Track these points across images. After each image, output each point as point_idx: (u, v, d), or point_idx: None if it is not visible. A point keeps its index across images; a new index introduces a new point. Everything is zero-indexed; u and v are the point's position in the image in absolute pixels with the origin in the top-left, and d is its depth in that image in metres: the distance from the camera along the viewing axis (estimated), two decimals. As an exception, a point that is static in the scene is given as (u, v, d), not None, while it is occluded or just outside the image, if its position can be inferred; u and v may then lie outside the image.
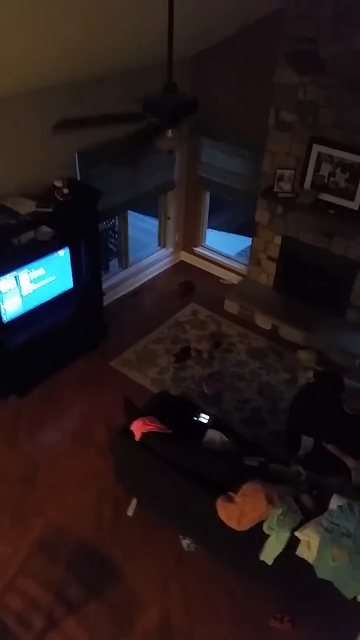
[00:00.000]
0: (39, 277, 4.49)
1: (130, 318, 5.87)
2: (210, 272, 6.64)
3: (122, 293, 6.18)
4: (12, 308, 4.40)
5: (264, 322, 5.78)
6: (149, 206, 6.67)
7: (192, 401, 4.63)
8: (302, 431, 4.00)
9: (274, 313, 5.71)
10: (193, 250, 6.72)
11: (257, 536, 3.05)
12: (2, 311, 4.32)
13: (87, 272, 5.00)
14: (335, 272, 5.38)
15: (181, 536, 3.77)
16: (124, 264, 6.25)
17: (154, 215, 6.82)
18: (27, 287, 4.44)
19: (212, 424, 3.94)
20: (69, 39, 3.30)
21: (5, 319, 4.37)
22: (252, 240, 5.88)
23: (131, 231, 6.12)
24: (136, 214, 7.07)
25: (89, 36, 3.42)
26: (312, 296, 5.65)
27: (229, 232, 7.72)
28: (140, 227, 7.38)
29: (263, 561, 3.07)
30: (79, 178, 4.86)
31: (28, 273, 4.38)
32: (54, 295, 4.74)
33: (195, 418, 3.97)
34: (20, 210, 4.19)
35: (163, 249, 6.70)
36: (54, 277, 4.64)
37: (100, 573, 3.60)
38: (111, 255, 6.72)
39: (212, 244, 6.72)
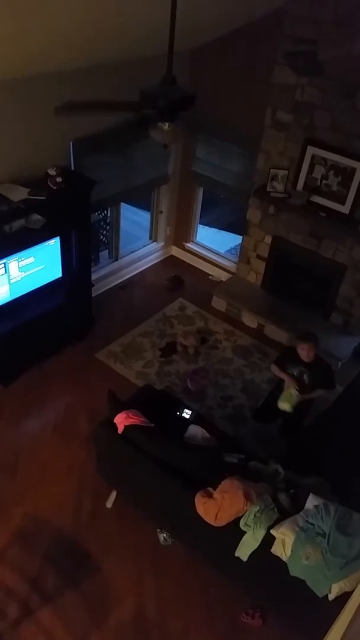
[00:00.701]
0: (28, 265, 4.47)
1: (119, 310, 5.86)
2: (200, 268, 6.65)
3: (111, 285, 6.17)
4: (0, 295, 4.37)
5: (250, 320, 5.82)
6: (142, 199, 6.65)
7: (176, 396, 4.66)
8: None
9: (260, 312, 5.75)
10: (184, 245, 6.73)
11: (233, 532, 3.09)
12: (-11, 298, 4.30)
13: (77, 262, 4.98)
14: (322, 275, 5.42)
15: (158, 530, 3.80)
16: (115, 255, 6.23)
17: (146, 208, 6.81)
18: (16, 274, 4.41)
19: (195, 419, 3.97)
20: (65, 23, 3.26)
21: (-8, 306, 4.36)
22: (243, 239, 5.91)
23: (123, 223, 6.11)
24: (129, 206, 7.04)
25: (86, 22, 3.37)
26: (298, 297, 5.69)
27: (220, 229, 7.73)
28: (132, 219, 7.36)
29: (238, 557, 3.11)
30: (72, 167, 4.83)
31: (17, 261, 4.36)
32: (43, 284, 4.72)
33: (178, 413, 3.99)
34: (12, 197, 4.16)
35: (154, 243, 6.69)
36: (43, 266, 4.62)
37: (77, 564, 3.62)
38: (102, 246, 6.70)
39: (202, 240, 6.73)
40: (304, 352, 4.02)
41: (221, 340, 5.64)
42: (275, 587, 3.20)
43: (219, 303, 6.01)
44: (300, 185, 5.07)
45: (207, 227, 7.29)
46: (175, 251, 6.86)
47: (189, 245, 6.71)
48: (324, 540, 2.88)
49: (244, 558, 3.09)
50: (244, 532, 3.07)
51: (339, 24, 4.26)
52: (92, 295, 5.46)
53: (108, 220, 6.40)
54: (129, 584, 3.55)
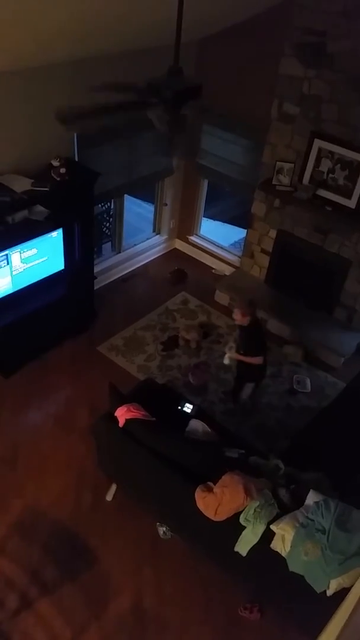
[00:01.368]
0: (30, 257, 4.45)
1: (121, 303, 5.84)
2: (203, 261, 6.62)
3: (113, 277, 6.15)
4: (2, 287, 4.36)
5: (253, 315, 5.78)
6: (146, 191, 6.61)
7: (177, 390, 4.65)
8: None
9: (263, 306, 5.70)
10: (187, 238, 6.69)
11: (233, 527, 3.08)
12: (-9, 289, 4.28)
13: (80, 254, 4.96)
14: (327, 270, 5.38)
15: (158, 523, 3.80)
16: (118, 248, 6.21)
17: (150, 200, 6.77)
18: (18, 266, 4.39)
19: (196, 413, 3.96)
20: (71, 13, 3.21)
21: (-6, 297, 4.34)
22: (247, 232, 5.87)
23: (126, 215, 6.07)
24: (132, 199, 7.00)
25: (92, 11, 3.33)
26: (302, 292, 5.65)
27: (224, 222, 7.69)
28: (136, 211, 7.32)
29: (237, 552, 3.11)
30: (76, 158, 4.80)
31: (20, 252, 4.34)
32: (45, 276, 4.70)
33: (179, 407, 3.98)
34: (16, 188, 4.13)
35: (157, 236, 6.66)
36: (45, 258, 4.59)
37: (76, 556, 3.63)
38: (105, 238, 6.67)
39: (206, 234, 6.69)
40: (235, 315, 4.16)
41: (224, 334, 5.61)
42: (274, 582, 3.20)
43: (222, 297, 5.98)
44: (306, 178, 5.03)
45: (211, 220, 7.25)
46: (178, 244, 6.82)
47: (193, 238, 6.67)
48: (323, 537, 2.87)
49: (243, 553, 3.09)
50: (244, 527, 3.06)
51: (348, 15, 4.20)
52: (95, 287, 5.44)
53: (111, 213, 6.37)
54: (128, 577, 3.55)
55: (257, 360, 4.20)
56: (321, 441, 4.17)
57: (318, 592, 2.88)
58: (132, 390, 4.05)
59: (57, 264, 4.75)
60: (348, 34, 4.27)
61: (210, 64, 5.24)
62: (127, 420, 3.49)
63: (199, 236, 6.69)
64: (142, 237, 6.58)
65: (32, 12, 3.01)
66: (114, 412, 3.56)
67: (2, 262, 4.23)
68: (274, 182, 5.17)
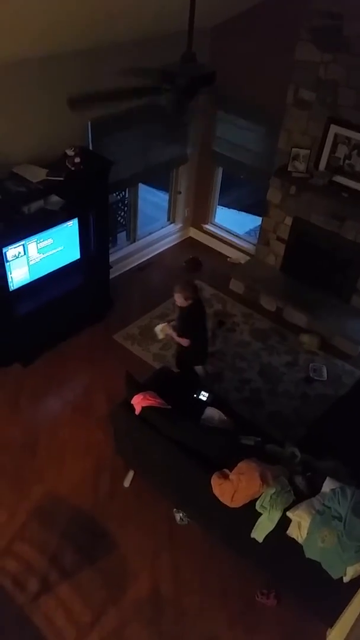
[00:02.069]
0: (46, 247, 4.48)
1: (136, 292, 5.86)
2: (218, 250, 6.60)
3: (129, 267, 6.17)
4: (19, 277, 4.40)
5: (268, 303, 5.77)
6: (160, 180, 6.59)
7: (193, 378, 4.66)
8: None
9: (279, 295, 5.70)
10: (202, 226, 6.67)
11: (249, 514, 3.10)
12: (9, 279, 4.32)
13: (95, 244, 4.98)
14: (344, 257, 5.33)
15: (175, 509, 3.85)
16: (132, 237, 6.21)
17: (164, 189, 6.75)
18: (35, 256, 4.43)
19: (212, 402, 3.97)
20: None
21: (12, 287, 4.38)
22: (262, 220, 5.83)
23: (141, 204, 6.07)
24: (147, 187, 6.99)
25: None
26: (319, 280, 5.61)
27: (239, 210, 7.64)
28: (150, 200, 7.31)
29: (253, 538, 3.13)
30: (91, 147, 4.80)
31: (36, 242, 4.37)
32: (61, 266, 4.73)
33: (195, 395, 4.00)
34: (31, 178, 4.16)
35: (172, 224, 6.65)
36: (61, 248, 4.62)
37: (95, 541, 3.69)
38: (119, 227, 6.68)
39: (221, 222, 6.66)
40: (177, 299, 4.09)
41: (239, 323, 5.61)
42: (291, 568, 3.22)
43: (237, 285, 5.96)
44: (322, 165, 4.97)
45: (226, 208, 7.21)
46: (193, 233, 6.80)
47: (208, 226, 6.65)
48: (340, 524, 2.88)
49: (260, 539, 3.11)
50: (260, 514, 3.08)
51: (365, -4, 4.12)
52: (110, 277, 5.47)
53: (126, 202, 6.37)
54: (146, 562, 3.61)
55: (183, 342, 4.15)
56: (338, 429, 4.16)
57: (335, 578, 2.90)
58: (148, 378, 4.08)
59: (73, 253, 4.78)
60: (365, 16, 4.19)
61: (224, 50, 5.18)
62: (143, 408, 3.52)
63: (214, 224, 6.67)
64: (156, 226, 6.58)
65: (46, 2, 3.01)
66: (131, 400, 3.59)
67: (19, 253, 4.27)
68: (289, 169, 5.12)
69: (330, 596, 3.10)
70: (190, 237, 6.82)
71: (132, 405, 3.58)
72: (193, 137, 5.93)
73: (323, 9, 4.36)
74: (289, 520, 2.99)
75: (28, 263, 4.40)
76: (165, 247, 6.58)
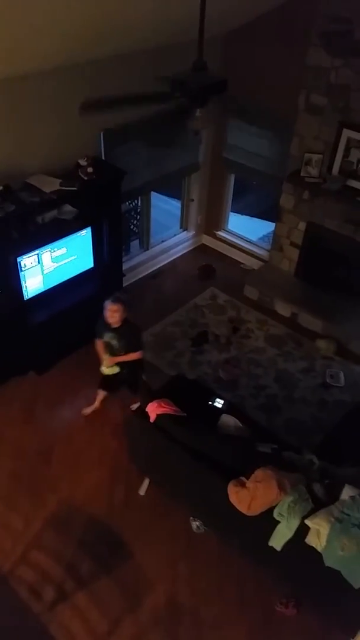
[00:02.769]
0: (60, 256, 4.51)
1: (150, 300, 5.87)
2: (231, 256, 6.58)
3: (142, 274, 6.18)
4: (34, 286, 4.44)
5: (283, 309, 5.73)
6: (173, 187, 6.62)
7: (208, 386, 4.64)
8: None
9: (294, 300, 5.66)
10: (215, 233, 6.67)
11: (267, 522, 3.06)
12: (24, 289, 4.36)
13: (108, 252, 5.00)
14: (359, 261, 5.28)
15: (192, 518, 3.81)
16: (145, 245, 6.23)
17: (177, 196, 6.77)
18: (49, 265, 4.46)
19: (227, 409, 3.95)
20: (95, 11, 3.24)
21: (26, 296, 4.42)
22: (276, 226, 5.81)
23: (153, 212, 6.09)
24: (159, 195, 7.02)
25: (116, 10, 3.35)
26: (334, 285, 5.57)
27: (252, 216, 7.62)
28: (163, 208, 7.34)
29: (272, 547, 3.09)
30: (103, 157, 4.83)
31: (50, 252, 4.40)
32: (75, 275, 4.76)
33: (210, 402, 3.97)
34: (45, 189, 4.19)
35: (185, 232, 6.66)
36: (75, 257, 4.65)
37: (111, 550, 3.67)
38: (132, 236, 6.71)
39: (234, 228, 6.66)
40: (110, 315, 3.94)
41: (253, 329, 5.58)
42: (310, 577, 3.17)
43: (251, 292, 5.94)
44: (335, 169, 4.95)
45: (239, 214, 7.21)
46: (206, 240, 6.81)
47: (220, 233, 6.65)
48: (359, 532, 2.82)
49: (278, 548, 3.06)
50: (278, 522, 3.04)
51: (375, 0, 4.11)
52: (123, 285, 5.48)
53: (138, 210, 6.40)
54: (162, 571, 3.57)
55: (138, 355, 4.05)
56: (355, 435, 4.10)
57: (355, 587, 2.84)
58: (163, 385, 4.07)
59: (87, 262, 4.80)
60: (376, 19, 4.18)
61: (235, 58, 5.21)
62: (158, 415, 3.50)
63: (227, 231, 6.66)
64: (169, 233, 6.60)
65: (60, 15, 3.05)
66: (145, 407, 3.58)
67: (33, 262, 4.30)
68: (302, 174, 5.10)
69: (351, 606, 3.04)
70: (203, 244, 6.82)
71: (146, 412, 3.57)
72: (205, 145, 5.95)
73: (333, 14, 4.36)
74: (307, 528, 2.95)
75: (42, 272, 4.43)
76: (178, 255, 6.59)
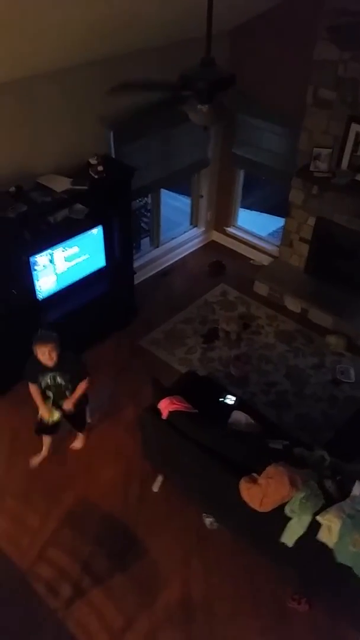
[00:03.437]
0: (72, 255, 4.55)
1: (160, 297, 5.89)
2: (241, 252, 6.58)
3: (152, 272, 6.20)
4: (47, 286, 4.48)
5: (293, 305, 5.73)
6: (182, 184, 6.62)
7: (219, 382, 4.67)
8: None
9: (304, 296, 5.65)
10: (224, 230, 6.67)
11: (278, 518, 3.08)
12: (37, 289, 4.40)
13: (119, 250, 5.02)
14: (369, 256, 5.26)
15: (204, 514, 3.85)
16: (156, 242, 6.25)
17: (186, 193, 6.77)
18: (61, 264, 4.50)
19: (238, 405, 3.97)
20: (105, 10, 3.25)
21: (40, 296, 4.46)
22: (285, 221, 5.79)
23: (163, 209, 6.10)
24: (169, 192, 7.03)
25: (125, 8, 3.36)
26: (344, 280, 5.55)
27: (261, 211, 7.61)
28: (173, 205, 7.34)
29: (283, 543, 3.11)
30: (113, 155, 4.85)
31: (62, 251, 4.44)
32: (87, 274, 4.79)
33: (221, 399, 4.00)
34: (56, 188, 4.22)
35: (194, 228, 6.66)
36: (87, 256, 4.68)
37: (126, 547, 3.72)
38: (143, 233, 6.73)
39: (243, 224, 6.64)
40: (45, 357, 3.52)
41: (264, 325, 5.58)
42: (322, 573, 3.19)
43: (261, 288, 5.94)
44: (344, 164, 4.92)
45: (248, 210, 7.19)
46: (216, 236, 6.81)
47: (230, 229, 6.64)
48: (371, 528, 2.84)
49: (290, 544, 3.09)
50: (290, 518, 3.06)
51: (384, -8, 4.07)
52: (134, 283, 5.51)
53: (148, 207, 6.41)
54: (176, 567, 3.62)
55: (88, 382, 3.73)
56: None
57: (367, 583, 2.86)
58: (174, 382, 4.10)
59: (99, 260, 4.83)
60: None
61: (243, 53, 5.18)
62: (170, 412, 3.54)
63: (236, 227, 6.65)
64: (179, 230, 6.61)
65: (70, 15, 3.07)
66: (157, 404, 3.62)
67: (46, 262, 4.34)
68: (311, 169, 5.08)
69: (363, 601, 3.06)
70: (213, 241, 6.82)
71: (158, 409, 3.60)
72: (214, 141, 5.94)
73: (340, 7, 4.32)
74: (319, 525, 2.96)
75: (55, 272, 4.47)
76: (189, 252, 6.60)
